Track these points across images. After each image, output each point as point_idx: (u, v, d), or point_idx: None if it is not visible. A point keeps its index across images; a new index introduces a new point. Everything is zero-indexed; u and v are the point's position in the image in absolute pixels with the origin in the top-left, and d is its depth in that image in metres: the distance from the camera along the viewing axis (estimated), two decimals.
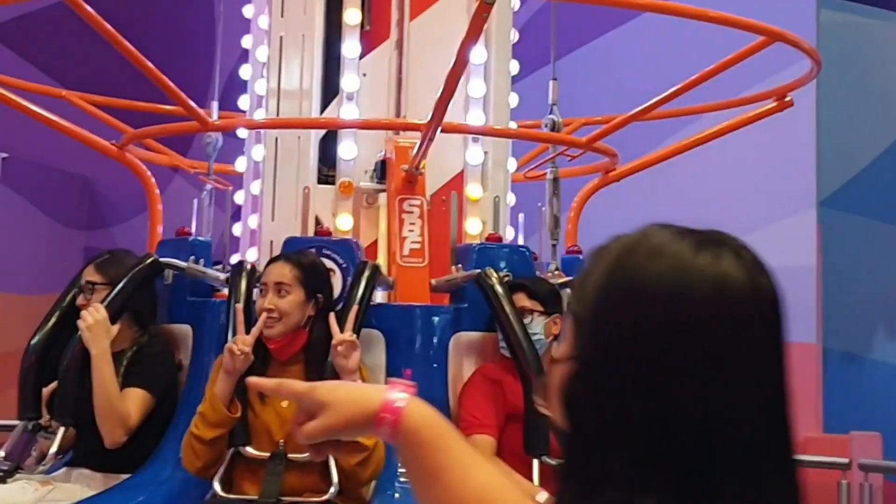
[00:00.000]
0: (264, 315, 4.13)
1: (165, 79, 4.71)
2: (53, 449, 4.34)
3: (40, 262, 8.64)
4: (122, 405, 4.28)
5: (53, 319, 4.56)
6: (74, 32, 8.90)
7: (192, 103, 4.87)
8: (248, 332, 4.11)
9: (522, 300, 4.45)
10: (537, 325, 4.42)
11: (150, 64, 4.64)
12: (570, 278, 4.75)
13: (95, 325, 4.30)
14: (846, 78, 8.68)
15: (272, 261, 4.32)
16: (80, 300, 4.50)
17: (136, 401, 4.34)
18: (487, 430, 4.25)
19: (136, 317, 4.54)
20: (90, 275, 4.53)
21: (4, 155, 8.28)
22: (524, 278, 4.61)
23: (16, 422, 4.54)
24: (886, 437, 7.69)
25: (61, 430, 4.37)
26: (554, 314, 4.47)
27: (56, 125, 5.47)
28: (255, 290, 4.38)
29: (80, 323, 4.33)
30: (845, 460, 6.76)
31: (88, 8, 4.39)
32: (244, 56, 5.76)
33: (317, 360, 4.17)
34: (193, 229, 5.13)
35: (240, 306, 4.24)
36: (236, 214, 5.53)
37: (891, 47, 9.10)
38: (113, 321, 4.35)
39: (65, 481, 4.42)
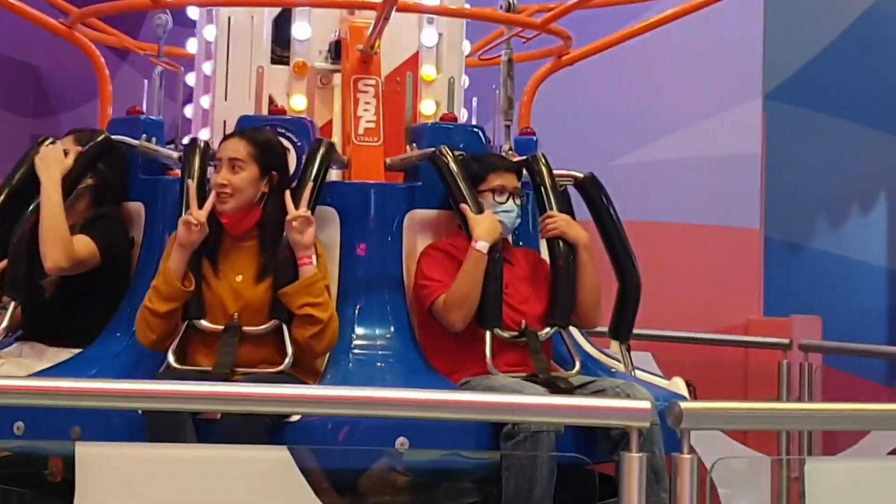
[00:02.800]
0: (217, 190, 4.15)
1: None
2: (3, 324, 4.40)
3: None
4: (65, 229, 4.26)
5: (2, 198, 4.53)
6: None
7: None
8: (201, 207, 4.13)
9: (516, 180, 4.51)
10: (511, 205, 4.47)
11: None
12: (523, 158, 4.80)
13: (46, 155, 4.37)
14: None
15: (226, 137, 4.33)
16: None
17: (80, 241, 4.35)
18: (445, 288, 4.30)
19: (96, 197, 4.55)
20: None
21: None
22: (508, 159, 4.69)
23: None
24: (826, 321, 7.88)
25: (11, 305, 4.40)
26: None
27: (3, 3, 5.37)
28: (210, 169, 4.39)
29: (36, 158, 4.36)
30: (786, 341, 6.96)
31: None
32: None
33: (271, 236, 4.21)
34: (145, 110, 5.10)
35: (193, 182, 4.25)
36: (187, 99, 5.48)
37: None
38: (66, 197, 4.35)
39: (16, 357, 4.46)
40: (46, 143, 4.45)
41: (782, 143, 8.65)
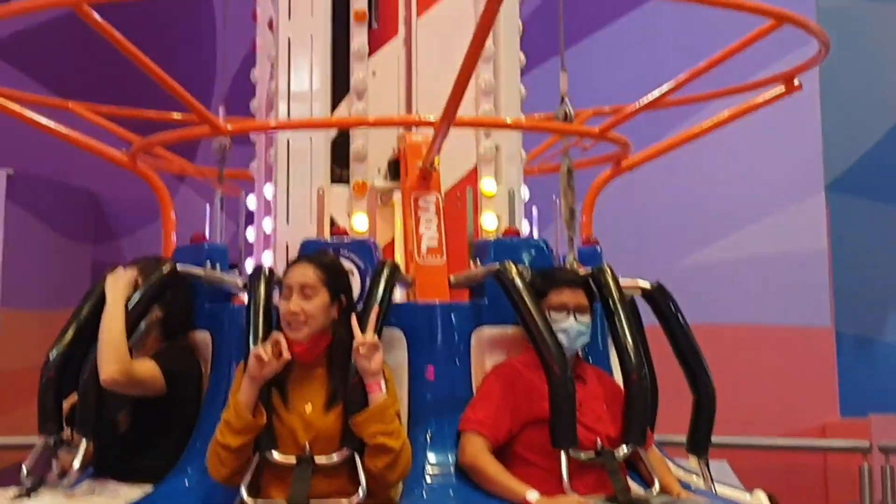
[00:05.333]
0: (286, 318, 4.09)
1: (175, 84, 4.67)
2: (76, 462, 4.30)
3: (49, 278, 8.60)
4: (124, 344, 4.24)
5: (71, 332, 4.50)
6: (74, 44, 8.91)
7: (204, 109, 4.84)
8: (268, 336, 4.08)
9: (582, 296, 4.41)
10: (572, 323, 4.36)
11: (160, 70, 4.60)
12: (589, 271, 4.73)
13: (117, 279, 4.38)
14: (847, 61, 8.66)
15: (294, 262, 4.27)
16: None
17: (143, 363, 4.32)
18: (481, 428, 4.20)
19: (164, 327, 4.52)
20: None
21: (10, 171, 8.23)
22: (576, 274, 4.57)
23: (35, 439, 4.47)
24: None
25: (83, 443, 4.34)
26: None
27: (67, 137, 5.44)
28: (274, 294, 4.35)
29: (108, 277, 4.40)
30: (865, 444, 6.75)
31: (97, 16, 4.34)
32: (247, 59, 5.73)
33: (340, 363, 4.12)
34: (207, 235, 5.10)
35: (261, 311, 4.21)
36: (248, 220, 5.49)
37: (889, 29, 9.09)
38: (132, 330, 4.33)
39: (88, 494, 4.39)
40: (119, 269, 4.44)
41: (847, 234, 8.53)
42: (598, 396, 4.40)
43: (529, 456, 4.21)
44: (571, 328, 4.33)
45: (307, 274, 4.14)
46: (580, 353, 4.52)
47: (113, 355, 4.21)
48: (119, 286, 4.37)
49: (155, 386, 4.34)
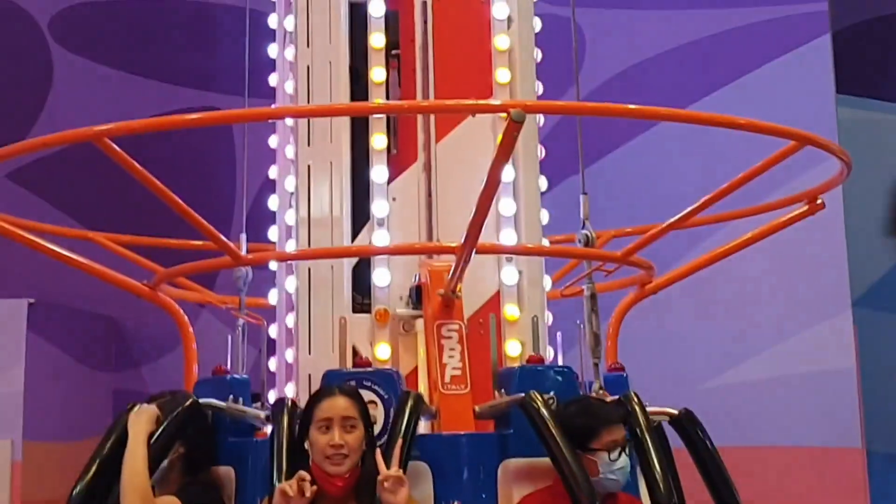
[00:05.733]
0: (328, 452, 4.01)
1: (196, 214, 4.68)
2: None
3: (71, 408, 8.56)
4: (146, 484, 4.17)
5: (94, 468, 4.44)
6: (94, 171, 8.96)
7: (223, 238, 4.83)
8: (292, 471, 4.00)
9: (622, 432, 4.30)
10: (624, 460, 4.25)
11: (179, 200, 4.61)
12: (616, 397, 4.65)
13: (139, 414, 4.32)
14: (868, 174, 8.64)
15: (327, 395, 4.17)
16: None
17: (166, 501, 4.24)
18: None
19: (187, 462, 4.45)
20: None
21: (31, 300, 8.24)
22: (620, 410, 4.44)
23: None
24: None
25: None
26: None
27: (88, 268, 5.43)
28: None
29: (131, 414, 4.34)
30: None
31: (117, 148, 4.36)
32: (265, 187, 5.74)
33: (368, 496, 4.05)
34: (228, 366, 5.05)
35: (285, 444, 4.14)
36: (269, 349, 5.44)
37: None
38: (154, 467, 4.26)
39: None
40: (136, 409, 4.37)
41: (875, 351, 8.43)
42: None
43: None
44: (626, 465, 4.25)
45: (348, 407, 4.10)
46: None
47: (136, 496, 4.14)
48: (141, 422, 4.32)
49: None
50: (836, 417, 7.92)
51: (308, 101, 5.36)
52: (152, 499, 4.19)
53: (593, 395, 4.88)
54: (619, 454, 4.25)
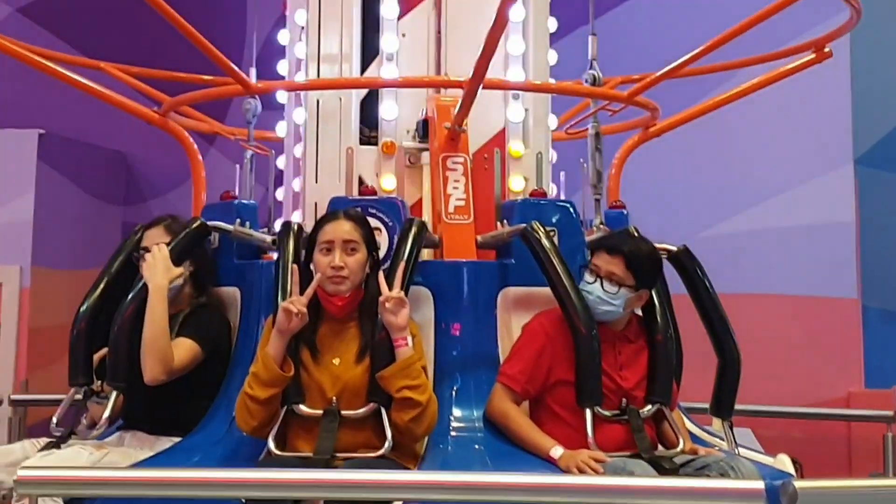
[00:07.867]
0: (329, 273, 4.12)
1: (207, 42, 4.70)
2: (106, 414, 4.35)
3: (80, 238, 8.66)
4: (167, 343, 4.26)
5: (101, 286, 4.55)
6: (105, 5, 8.94)
7: (234, 66, 4.86)
8: (301, 289, 4.11)
9: (617, 265, 4.28)
10: (620, 298, 4.25)
11: (192, 28, 4.62)
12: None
13: (156, 261, 4.35)
14: (878, 32, 8.58)
15: (331, 218, 4.25)
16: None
17: (183, 347, 4.35)
18: (511, 382, 4.24)
19: (194, 280, 4.56)
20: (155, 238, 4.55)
21: (41, 131, 8.28)
22: (628, 242, 4.34)
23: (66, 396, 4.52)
24: None
25: (113, 394, 4.38)
26: (642, 290, 4.30)
27: (99, 94, 5.47)
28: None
29: (143, 262, 4.37)
30: (889, 413, 6.75)
31: None
32: (277, 23, 5.74)
33: (370, 317, 4.16)
34: (237, 194, 5.13)
35: (294, 266, 4.24)
36: (278, 181, 5.52)
37: None
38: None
39: (118, 445, 4.46)
40: (155, 249, 4.42)
41: (876, 208, 8.47)
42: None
43: (560, 412, 4.24)
44: (594, 293, 4.25)
45: (350, 230, 4.17)
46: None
47: (158, 356, 4.24)
48: (158, 272, 4.34)
49: (196, 361, 4.40)
50: (834, 269, 8.00)
51: None
52: (172, 358, 4.28)
53: (593, 230, 4.97)
54: (594, 280, 4.27)
